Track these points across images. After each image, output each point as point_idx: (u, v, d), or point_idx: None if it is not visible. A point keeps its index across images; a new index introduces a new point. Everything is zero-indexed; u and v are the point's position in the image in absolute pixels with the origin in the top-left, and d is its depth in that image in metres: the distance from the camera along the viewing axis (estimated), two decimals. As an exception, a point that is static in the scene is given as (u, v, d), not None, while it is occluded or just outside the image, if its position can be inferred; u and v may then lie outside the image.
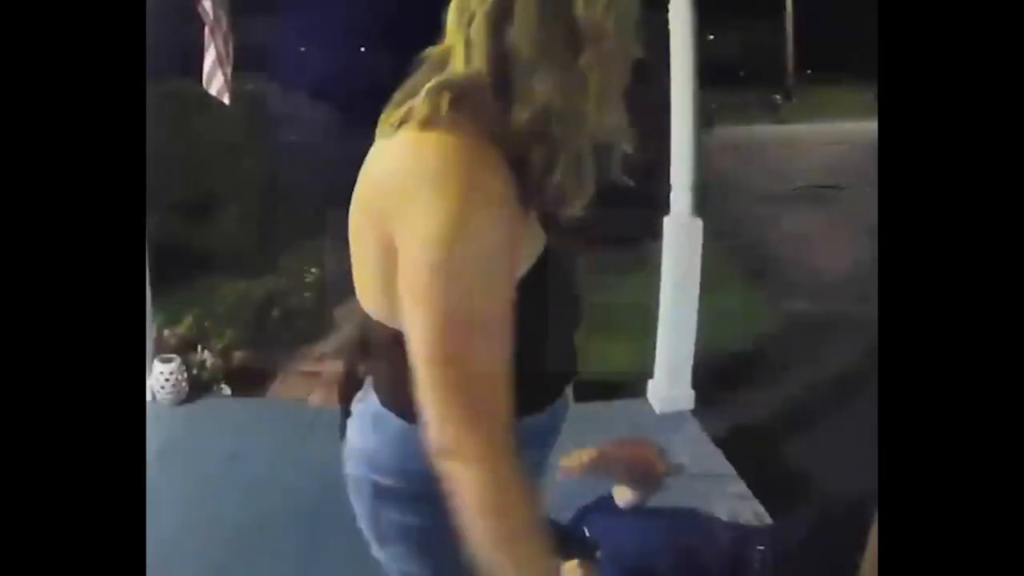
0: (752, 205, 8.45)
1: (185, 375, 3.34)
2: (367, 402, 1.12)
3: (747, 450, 3.03)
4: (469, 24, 0.92)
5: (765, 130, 14.87)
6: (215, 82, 3.27)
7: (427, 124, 0.90)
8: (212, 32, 3.19)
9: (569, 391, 1.18)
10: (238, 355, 3.75)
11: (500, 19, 0.89)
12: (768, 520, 2.51)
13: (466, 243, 0.86)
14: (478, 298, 0.88)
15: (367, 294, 1.04)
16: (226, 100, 3.36)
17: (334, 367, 3.75)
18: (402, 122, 0.94)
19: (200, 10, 3.15)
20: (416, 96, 0.93)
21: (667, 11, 3.09)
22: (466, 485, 0.90)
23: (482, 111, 0.91)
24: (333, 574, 2.27)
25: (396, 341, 0.95)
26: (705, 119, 6.29)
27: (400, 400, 0.98)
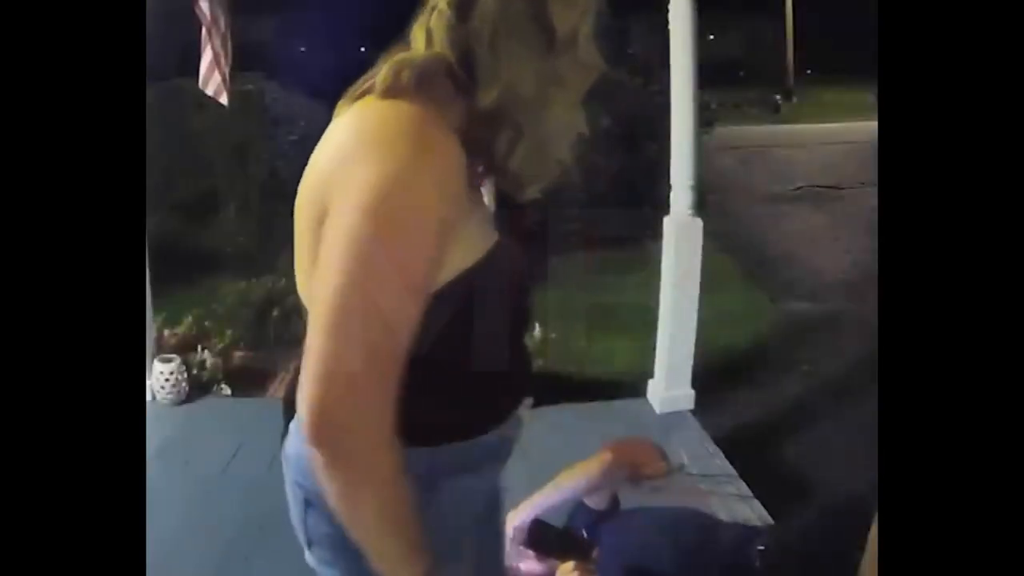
0: (752, 205, 8.45)
1: (185, 375, 3.34)
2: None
3: (747, 450, 3.03)
4: (430, 15, 0.92)
5: (765, 130, 14.85)
6: (212, 82, 3.27)
7: (385, 94, 0.88)
8: (209, 33, 3.19)
9: (523, 410, 1.09)
10: (238, 355, 3.75)
11: (462, 9, 0.89)
12: (768, 520, 2.51)
13: (400, 202, 0.81)
14: (399, 265, 0.82)
15: (299, 282, 0.97)
16: (223, 101, 3.36)
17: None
18: (360, 96, 0.92)
19: (197, 11, 3.15)
20: (376, 71, 0.91)
21: (667, 11, 3.09)
22: (335, 477, 0.86)
23: (440, 90, 0.89)
24: (333, 574, 2.27)
25: None
26: (705, 119, 6.29)
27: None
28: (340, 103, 0.95)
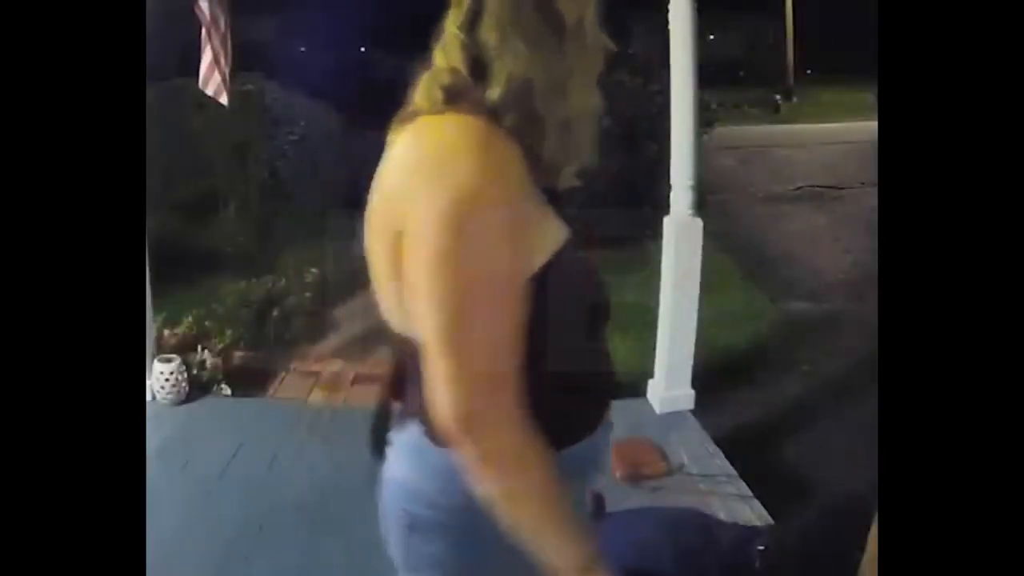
0: (752, 205, 8.45)
1: (185, 375, 3.34)
2: (408, 431, 1.05)
3: (747, 450, 3.03)
4: (444, 37, 0.96)
5: (765, 130, 14.84)
6: (212, 83, 3.27)
7: (432, 111, 0.93)
8: (209, 33, 3.19)
9: (609, 413, 1.09)
10: (238, 355, 3.75)
11: (469, 23, 0.93)
12: (768, 520, 2.51)
13: (481, 215, 0.85)
14: (493, 271, 0.86)
15: (387, 306, 1.00)
16: (223, 101, 3.36)
17: (334, 367, 3.75)
18: (410, 117, 0.96)
19: (197, 11, 3.16)
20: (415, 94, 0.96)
21: (667, 11, 3.09)
22: (488, 471, 0.89)
23: (472, 98, 0.92)
24: (332, 574, 2.27)
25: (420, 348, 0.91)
26: (705, 119, 6.28)
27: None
28: (393, 127, 0.98)
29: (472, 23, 0.93)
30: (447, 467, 0.95)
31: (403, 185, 0.91)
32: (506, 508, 0.91)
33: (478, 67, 0.93)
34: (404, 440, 1.06)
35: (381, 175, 0.97)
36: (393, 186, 0.93)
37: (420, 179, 0.88)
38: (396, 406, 1.11)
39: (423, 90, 0.95)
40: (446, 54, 0.95)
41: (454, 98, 0.92)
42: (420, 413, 1.00)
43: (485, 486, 0.90)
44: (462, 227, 0.84)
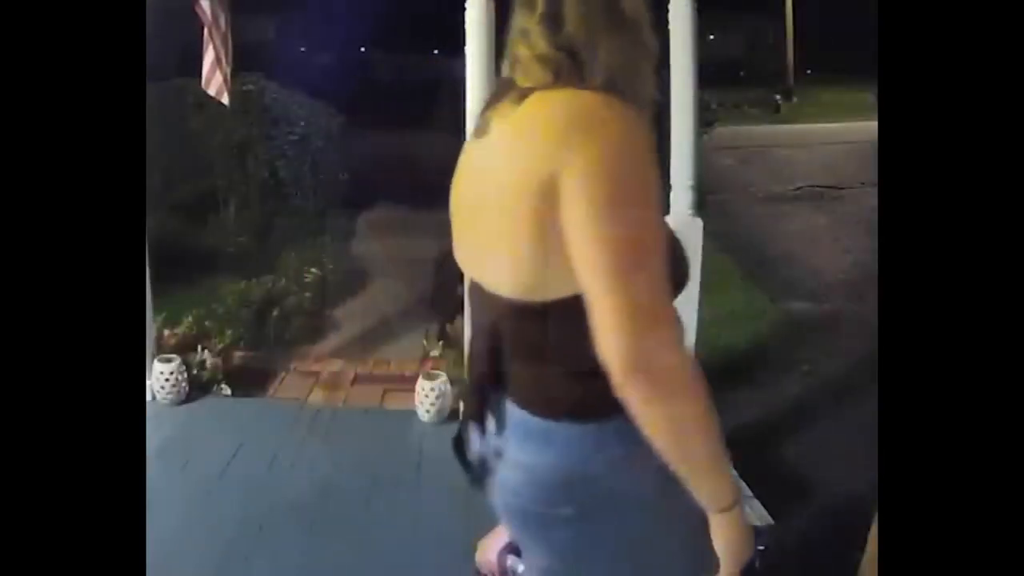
0: (752, 205, 8.45)
1: (185, 375, 3.33)
2: (519, 422, 1.07)
3: (747, 450, 3.03)
4: (522, 35, 1.06)
5: (765, 130, 14.83)
6: (214, 83, 3.27)
7: (551, 88, 1.01)
8: (211, 33, 3.19)
9: None
10: (238, 355, 3.75)
11: (553, 20, 1.03)
12: (768, 520, 2.51)
13: (638, 163, 0.95)
14: (652, 213, 0.95)
15: (509, 274, 1.02)
16: (225, 100, 3.37)
17: (334, 367, 3.75)
18: (518, 96, 1.01)
19: (198, 10, 3.16)
20: (516, 79, 1.05)
21: (667, 11, 3.09)
22: (660, 418, 0.92)
23: (578, 78, 1.02)
24: (332, 574, 2.27)
25: (550, 313, 0.98)
26: (705, 119, 6.28)
27: (559, 395, 1.02)
28: (495, 107, 1.06)
29: (552, 20, 1.03)
30: (578, 440, 1.02)
31: (553, 147, 0.95)
32: (674, 442, 0.94)
33: (571, 55, 1.02)
34: (517, 431, 1.07)
35: (505, 150, 1.01)
36: (534, 152, 0.97)
37: (577, 138, 0.94)
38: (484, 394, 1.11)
39: (525, 71, 1.04)
40: (530, 45, 1.04)
41: (561, 79, 1.01)
42: (526, 391, 1.05)
43: (656, 424, 0.93)
44: (624, 174, 0.93)
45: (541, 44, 1.03)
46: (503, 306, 1.04)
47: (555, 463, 1.04)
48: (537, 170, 0.95)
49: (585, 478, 1.04)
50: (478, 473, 1.14)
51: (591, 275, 0.93)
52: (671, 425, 0.93)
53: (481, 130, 1.08)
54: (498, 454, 1.10)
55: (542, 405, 1.05)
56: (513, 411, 1.08)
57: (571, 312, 0.95)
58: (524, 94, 1.02)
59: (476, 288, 1.11)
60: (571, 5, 1.03)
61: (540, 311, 1.00)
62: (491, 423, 1.11)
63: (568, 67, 1.02)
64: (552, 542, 1.10)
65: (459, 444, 1.17)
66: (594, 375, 0.93)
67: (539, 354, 1.03)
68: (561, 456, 1.04)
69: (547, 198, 0.94)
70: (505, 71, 1.10)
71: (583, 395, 1.02)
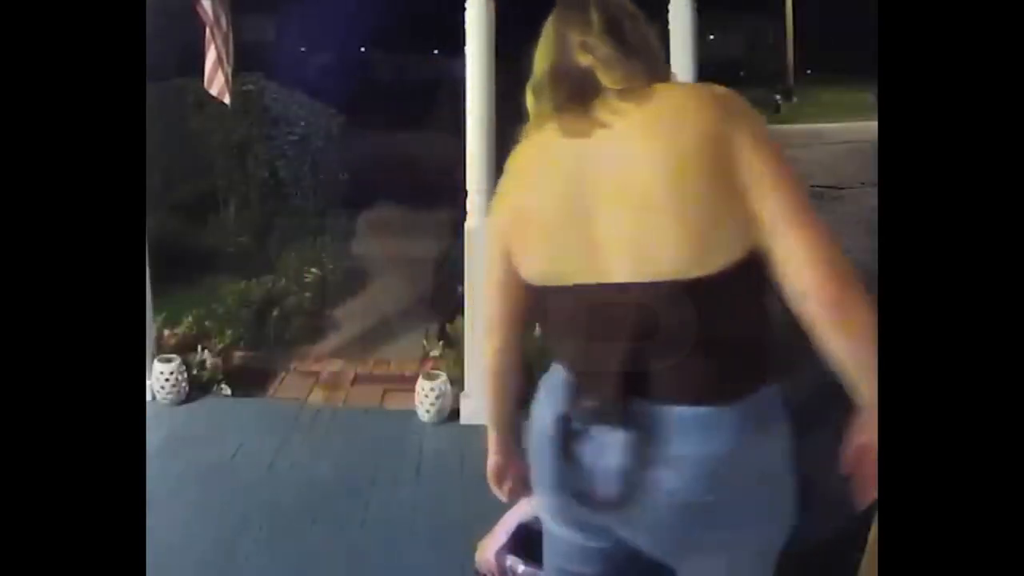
0: (752, 205, 8.44)
1: (185, 375, 3.33)
2: (676, 417, 1.08)
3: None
4: (578, 48, 1.17)
5: (765, 130, 14.82)
6: (216, 82, 3.27)
7: (642, 84, 1.13)
8: (212, 32, 3.19)
9: None
10: (238, 355, 3.75)
11: (614, 34, 1.16)
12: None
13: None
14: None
15: (673, 248, 1.06)
16: (227, 100, 3.37)
17: (334, 367, 3.76)
18: (627, 92, 1.12)
19: (200, 11, 3.16)
20: (594, 83, 1.15)
21: (667, 11, 3.09)
22: (858, 328, 1.02)
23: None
24: (332, 574, 2.27)
25: (707, 288, 1.06)
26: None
27: (711, 380, 1.09)
28: (608, 102, 1.12)
29: (611, 31, 1.16)
30: (735, 421, 1.09)
31: (722, 110, 1.08)
32: (867, 348, 0.99)
33: (638, 57, 1.16)
34: (677, 418, 1.07)
35: (637, 136, 1.09)
36: (702, 119, 1.07)
37: (734, 105, 1.10)
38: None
39: (611, 75, 1.13)
40: (591, 50, 1.15)
41: (647, 76, 1.14)
42: (681, 383, 1.08)
43: (861, 332, 1.01)
44: (775, 146, 1.09)
45: (601, 49, 1.15)
46: (650, 296, 1.06)
47: (719, 448, 1.08)
48: (711, 133, 1.06)
49: (747, 457, 1.11)
50: (623, 494, 1.09)
51: (782, 212, 1.04)
52: (871, 332, 0.98)
53: (580, 130, 1.12)
54: (645, 462, 1.07)
55: (702, 393, 1.08)
56: (665, 409, 1.07)
57: (731, 283, 1.06)
58: (628, 92, 1.12)
59: (600, 291, 1.10)
60: (622, 18, 1.19)
61: (697, 287, 1.05)
62: (634, 432, 1.07)
63: (643, 68, 1.15)
64: (714, 526, 1.12)
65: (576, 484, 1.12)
66: (737, 353, 1.10)
67: (696, 338, 1.07)
68: (727, 440, 1.09)
69: (721, 159, 1.05)
70: (539, 89, 1.20)
71: (736, 373, 1.12)
